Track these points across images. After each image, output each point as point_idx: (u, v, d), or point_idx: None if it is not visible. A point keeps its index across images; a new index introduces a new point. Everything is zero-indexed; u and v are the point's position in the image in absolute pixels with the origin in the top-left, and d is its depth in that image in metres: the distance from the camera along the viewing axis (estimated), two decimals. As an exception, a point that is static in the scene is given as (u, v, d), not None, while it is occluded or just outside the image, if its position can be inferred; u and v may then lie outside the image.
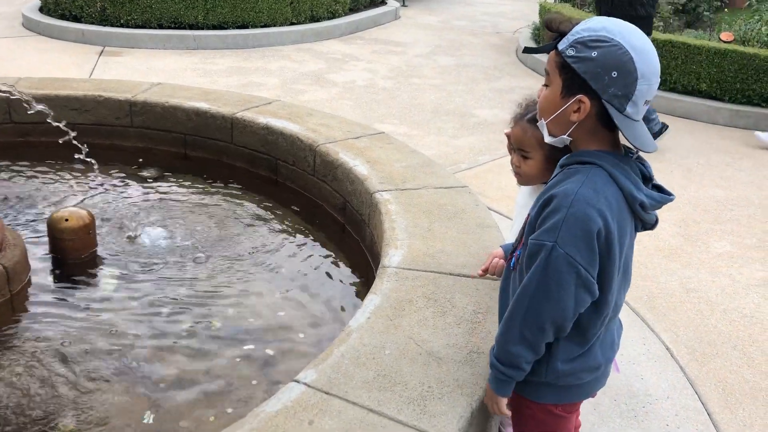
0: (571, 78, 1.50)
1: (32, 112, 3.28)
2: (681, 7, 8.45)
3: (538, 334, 1.57)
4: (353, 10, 10.03)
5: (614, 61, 1.45)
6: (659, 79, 1.52)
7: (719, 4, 8.55)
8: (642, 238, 4.15)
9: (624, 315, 3.37)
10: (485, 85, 7.33)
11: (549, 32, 1.56)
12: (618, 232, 1.52)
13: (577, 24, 1.51)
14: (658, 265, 3.91)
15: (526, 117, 1.95)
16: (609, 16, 1.81)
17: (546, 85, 1.59)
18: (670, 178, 5.15)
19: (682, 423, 2.67)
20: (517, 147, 2.00)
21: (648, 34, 5.61)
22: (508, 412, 1.75)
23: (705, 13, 8.15)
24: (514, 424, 1.87)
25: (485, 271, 2.23)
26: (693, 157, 5.68)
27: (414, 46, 9.05)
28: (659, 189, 1.61)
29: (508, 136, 2.04)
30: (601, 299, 1.57)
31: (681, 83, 6.86)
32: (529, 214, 1.65)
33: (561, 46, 1.51)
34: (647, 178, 1.60)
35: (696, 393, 2.85)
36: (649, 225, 1.63)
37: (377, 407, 1.74)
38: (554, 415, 1.76)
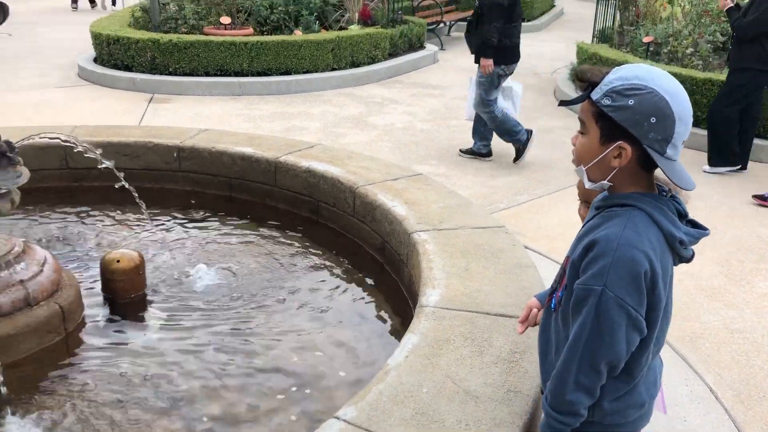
0: (609, 126, 1.55)
1: (90, 156, 3.45)
2: (721, 45, 8.43)
3: (595, 378, 1.58)
4: (392, 55, 10.25)
5: (651, 107, 1.50)
6: (692, 119, 1.56)
7: (761, 41, 8.51)
8: (683, 278, 4.14)
9: (666, 355, 3.33)
10: (528, 125, 7.38)
11: (581, 83, 1.62)
12: (662, 271, 1.55)
13: (608, 73, 1.57)
14: (700, 305, 3.86)
15: None
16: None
17: (582, 133, 1.64)
18: (713, 217, 5.10)
19: (727, 467, 2.62)
20: (584, 199, 2.02)
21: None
22: None
23: (746, 50, 8.11)
24: None
25: (524, 323, 2.21)
26: (737, 195, 5.61)
27: (452, 88, 9.19)
28: (694, 224, 1.65)
29: None
30: (647, 337, 1.60)
31: (722, 121, 6.80)
32: (568, 257, 1.69)
33: (595, 96, 1.55)
34: (682, 215, 1.64)
35: (742, 436, 2.80)
36: (686, 259, 1.66)
37: (415, 444, 1.78)
38: None
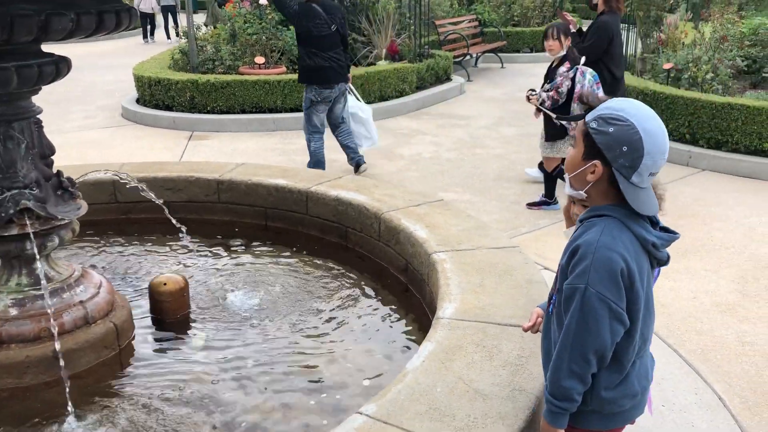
0: (591, 145, 1.82)
1: (140, 191, 3.80)
2: (746, 69, 8.58)
3: (585, 365, 1.82)
4: (420, 88, 10.60)
5: (626, 138, 1.76)
6: (665, 157, 1.80)
7: (784, 64, 8.62)
8: (699, 294, 4.31)
9: (677, 366, 3.51)
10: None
11: (583, 105, 1.93)
12: (638, 269, 1.80)
13: (605, 101, 1.85)
14: (714, 320, 4.01)
15: None
16: None
17: (573, 147, 1.92)
18: (731, 236, 5.24)
19: (731, 467, 2.78)
20: (579, 199, 2.28)
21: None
22: None
23: (766, 74, 8.24)
24: None
25: (529, 329, 2.44)
26: (756, 215, 5.74)
27: (478, 118, 9.47)
28: (666, 230, 1.89)
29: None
30: (631, 329, 1.84)
31: (743, 144, 6.94)
32: (559, 264, 1.94)
33: (588, 118, 1.84)
34: (654, 223, 1.89)
35: (747, 440, 2.95)
36: (663, 261, 1.90)
37: (428, 434, 2.02)
38: None
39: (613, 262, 1.76)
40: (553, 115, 5.20)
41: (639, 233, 1.81)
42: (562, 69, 5.35)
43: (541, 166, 6.62)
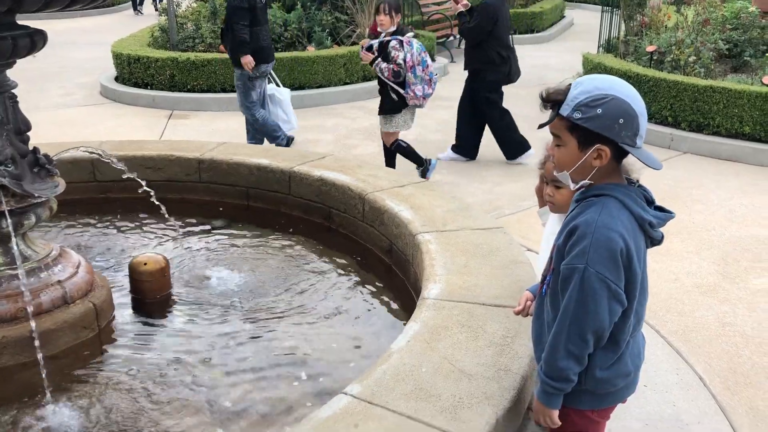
0: (584, 134, 1.78)
1: (120, 169, 3.72)
2: (727, 53, 8.60)
3: (582, 345, 1.81)
4: (403, 68, 10.51)
5: (617, 111, 1.74)
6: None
7: (765, 48, 8.65)
8: (680, 275, 4.33)
9: (658, 347, 3.53)
10: (530, 134, 7.59)
11: (544, 103, 1.85)
12: (635, 249, 1.78)
13: (567, 89, 1.80)
14: (695, 301, 4.05)
15: None
16: None
17: (558, 145, 1.86)
18: (712, 218, 5.27)
19: (711, 446, 2.81)
20: (551, 180, 2.28)
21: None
22: (559, 423, 1.94)
23: (747, 58, 8.27)
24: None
25: (520, 312, 2.41)
26: (737, 198, 5.78)
27: (461, 99, 9.42)
28: (661, 209, 1.88)
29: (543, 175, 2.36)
30: (627, 308, 1.83)
31: (724, 127, 6.98)
32: (554, 244, 1.92)
33: (565, 112, 1.78)
34: (650, 202, 1.88)
35: (727, 419, 2.98)
36: (657, 241, 1.89)
37: (414, 414, 2.00)
38: (590, 419, 1.99)
39: (612, 241, 1.74)
40: (399, 88, 5.48)
41: (636, 212, 1.80)
42: (394, 42, 5.50)
43: (454, 147, 6.85)
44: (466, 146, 6.85)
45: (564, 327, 1.81)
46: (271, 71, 6.80)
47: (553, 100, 1.82)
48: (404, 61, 5.44)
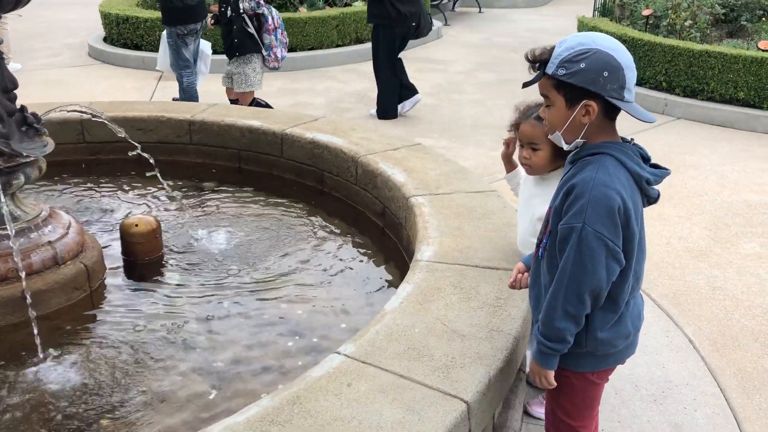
0: (570, 91, 1.77)
1: (110, 130, 3.67)
2: (723, 17, 8.53)
3: (579, 306, 1.80)
4: (396, 31, 10.37)
5: (601, 63, 1.72)
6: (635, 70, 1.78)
7: (762, 13, 8.59)
8: (672, 240, 4.35)
9: (649, 310, 3.55)
10: (525, 99, 7.55)
11: (531, 64, 1.82)
12: (633, 207, 1.77)
13: (551, 49, 1.78)
14: (686, 265, 4.07)
15: (533, 115, 2.22)
16: None
17: (548, 105, 1.84)
18: (704, 184, 5.28)
19: (699, 406, 2.85)
20: (527, 142, 2.27)
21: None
22: (555, 383, 1.95)
23: (744, 23, 8.20)
24: (548, 395, 2.10)
25: (512, 286, 2.30)
26: (729, 164, 5.79)
27: (455, 63, 9.34)
28: (656, 167, 1.87)
29: (508, 142, 2.33)
30: (625, 267, 1.82)
31: (718, 92, 6.95)
32: (550, 207, 1.91)
33: (550, 70, 1.77)
34: (646, 159, 1.86)
35: (715, 380, 3.02)
36: (654, 199, 1.88)
37: (407, 373, 2.01)
38: (590, 381, 2.00)
39: (610, 199, 1.73)
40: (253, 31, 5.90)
41: (633, 169, 1.79)
42: None
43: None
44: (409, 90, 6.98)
45: (561, 287, 1.80)
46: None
47: (539, 60, 1.80)
48: (267, 20, 5.89)
